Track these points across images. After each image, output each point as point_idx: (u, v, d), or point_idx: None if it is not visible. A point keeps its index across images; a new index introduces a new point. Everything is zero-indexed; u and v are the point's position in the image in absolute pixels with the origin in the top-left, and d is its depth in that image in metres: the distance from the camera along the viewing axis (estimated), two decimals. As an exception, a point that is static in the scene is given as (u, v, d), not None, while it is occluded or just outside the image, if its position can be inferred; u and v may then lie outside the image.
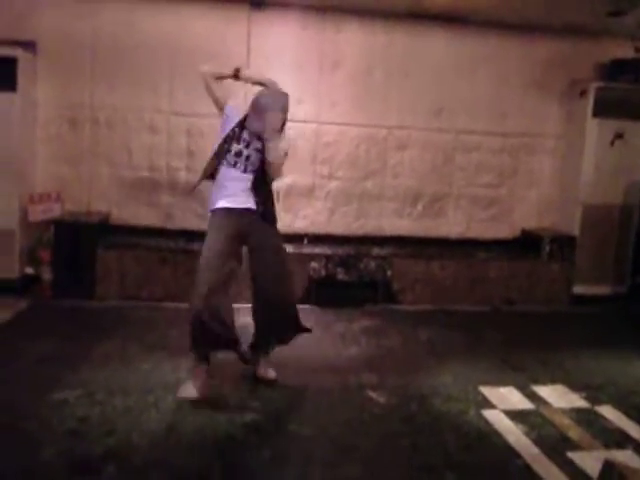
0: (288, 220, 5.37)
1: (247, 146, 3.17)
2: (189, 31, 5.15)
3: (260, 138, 3.13)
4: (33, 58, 4.94)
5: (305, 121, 5.34)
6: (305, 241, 5.40)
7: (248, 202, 3.18)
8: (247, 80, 3.39)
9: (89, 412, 2.91)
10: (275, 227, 3.31)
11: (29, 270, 4.89)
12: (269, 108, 3.08)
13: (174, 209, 5.33)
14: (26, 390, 3.11)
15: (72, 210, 5.11)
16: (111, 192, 5.24)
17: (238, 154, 3.17)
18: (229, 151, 3.17)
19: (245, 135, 3.18)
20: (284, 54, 5.28)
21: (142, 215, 5.30)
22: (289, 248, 5.10)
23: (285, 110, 3.16)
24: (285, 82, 5.24)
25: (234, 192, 3.17)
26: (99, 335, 3.98)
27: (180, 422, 2.87)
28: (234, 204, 3.16)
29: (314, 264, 5.00)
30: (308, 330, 3.42)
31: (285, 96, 3.21)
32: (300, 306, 4.85)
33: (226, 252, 3.07)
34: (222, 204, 3.17)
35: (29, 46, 4.89)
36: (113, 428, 2.77)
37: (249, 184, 3.17)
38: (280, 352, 3.51)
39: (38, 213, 4.76)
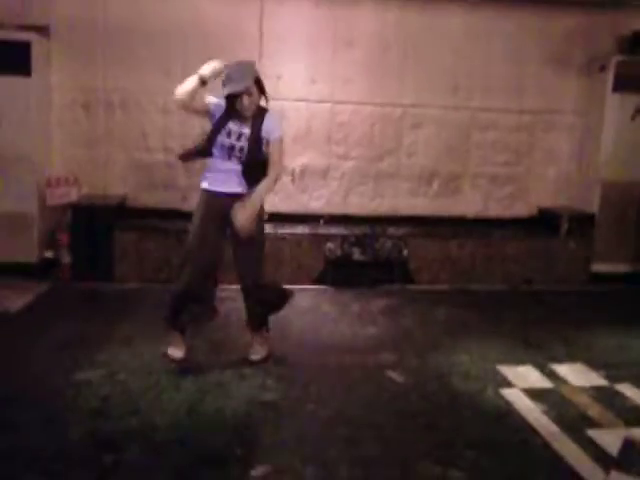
0: (304, 201, 5.37)
1: (238, 138, 3.11)
2: (201, 13, 5.10)
3: (248, 126, 3.11)
4: (47, 42, 4.94)
5: (319, 101, 5.30)
6: (321, 222, 5.40)
7: (236, 187, 3.16)
8: (214, 76, 3.16)
9: (112, 392, 2.96)
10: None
11: (48, 254, 4.95)
12: (239, 89, 3.04)
13: (190, 191, 5.34)
14: (50, 371, 3.18)
15: (89, 193, 5.15)
16: (127, 175, 5.27)
17: (231, 148, 3.12)
18: (222, 145, 3.13)
19: (232, 126, 3.12)
20: (297, 34, 5.22)
21: (158, 197, 5.32)
22: (304, 229, 5.13)
23: (253, 78, 3.14)
24: (299, 62, 5.29)
25: (224, 178, 3.17)
26: (119, 317, 4.04)
27: (200, 402, 2.91)
28: (221, 188, 3.17)
29: (330, 244, 5.00)
30: (290, 294, 3.45)
31: (249, 64, 3.21)
32: (316, 286, 4.92)
33: (209, 239, 3.18)
34: (209, 186, 3.21)
35: (43, 30, 4.89)
36: (135, 408, 2.82)
37: (239, 172, 3.15)
38: (298, 333, 3.53)
39: (56, 197, 4.80)
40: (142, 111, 5.19)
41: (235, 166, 3.15)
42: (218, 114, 3.17)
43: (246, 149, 3.12)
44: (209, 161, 3.22)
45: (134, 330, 3.81)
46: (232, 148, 3.13)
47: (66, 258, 4.85)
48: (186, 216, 5.22)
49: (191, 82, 3.08)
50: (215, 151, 3.16)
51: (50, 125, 5.08)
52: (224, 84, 3.07)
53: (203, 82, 3.08)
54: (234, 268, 3.31)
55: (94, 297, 4.50)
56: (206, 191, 3.22)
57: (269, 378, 3.21)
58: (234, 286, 4.79)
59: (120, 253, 4.85)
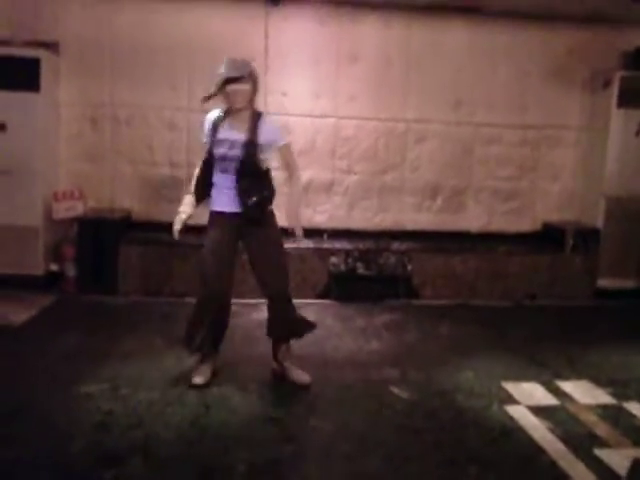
0: (308, 215, 5.38)
1: (231, 147, 3.04)
2: (207, 29, 5.18)
3: (242, 132, 3.05)
4: (56, 59, 5.02)
5: (324, 116, 5.34)
6: (325, 236, 5.41)
7: (235, 204, 3.11)
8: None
9: (115, 406, 2.95)
10: (267, 224, 3.17)
11: (54, 267, 4.98)
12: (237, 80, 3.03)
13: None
14: (54, 384, 3.18)
15: (95, 207, 5.19)
16: (133, 189, 5.31)
17: (223, 158, 3.06)
18: (217, 157, 3.09)
19: (223, 133, 3.07)
20: (301, 49, 5.28)
21: (164, 211, 5.33)
22: (309, 243, 5.13)
23: (249, 71, 3.09)
24: (303, 78, 5.34)
25: (227, 196, 3.13)
26: (123, 330, 4.04)
27: (204, 416, 2.90)
28: (226, 208, 3.15)
29: (334, 259, 5.00)
30: (312, 326, 3.41)
31: (245, 59, 3.15)
32: (320, 301, 4.91)
33: (225, 261, 3.22)
34: (215, 207, 3.21)
35: (52, 47, 4.97)
36: (138, 422, 2.81)
37: (234, 185, 3.09)
38: (302, 347, 3.52)
39: (62, 211, 4.83)
40: (148, 126, 5.25)
41: (233, 177, 3.07)
42: (206, 127, 3.16)
43: (240, 158, 3.02)
44: (214, 177, 3.18)
45: (138, 344, 3.81)
46: (224, 159, 3.05)
47: (71, 271, 4.88)
48: (191, 230, 5.29)
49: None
50: (215, 165, 3.12)
51: (58, 140, 5.14)
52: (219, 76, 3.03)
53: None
54: (257, 280, 3.30)
55: (99, 310, 4.51)
56: (214, 212, 3.21)
57: (273, 393, 3.20)
58: (238, 300, 4.83)
59: (125, 267, 4.87)
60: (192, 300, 4.72)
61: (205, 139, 3.15)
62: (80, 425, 2.76)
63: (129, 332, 4.00)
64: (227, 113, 3.13)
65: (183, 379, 3.29)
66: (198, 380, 3.19)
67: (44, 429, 2.71)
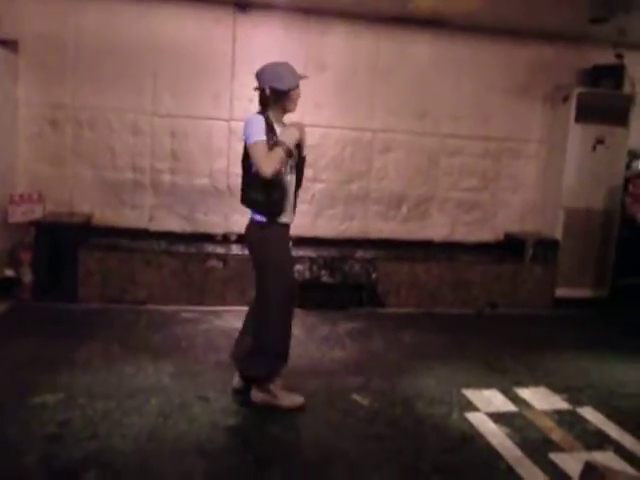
0: (273, 222, 5.35)
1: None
2: (174, 33, 5.12)
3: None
4: (14, 57, 4.87)
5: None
6: (290, 244, 5.37)
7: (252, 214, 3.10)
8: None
9: (70, 416, 2.86)
10: (258, 251, 3.06)
11: (9, 272, 4.80)
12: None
13: (157, 211, 5.30)
14: (5, 394, 3.06)
15: (54, 211, 5.05)
16: (94, 193, 5.19)
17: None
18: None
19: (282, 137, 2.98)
20: (269, 56, 5.17)
21: (125, 217, 5.25)
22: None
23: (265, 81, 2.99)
24: (270, 84, 5.32)
25: (289, 205, 3.10)
26: (81, 338, 3.92)
27: (162, 426, 2.84)
28: (289, 218, 3.12)
29: (299, 267, 4.99)
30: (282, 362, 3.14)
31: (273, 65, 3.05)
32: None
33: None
34: (283, 219, 3.07)
35: (10, 45, 4.82)
36: (94, 433, 2.73)
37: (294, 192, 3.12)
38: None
39: (18, 214, 4.68)
40: (111, 129, 5.14)
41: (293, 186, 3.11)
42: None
43: (296, 161, 3.07)
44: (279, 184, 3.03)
45: (97, 352, 3.71)
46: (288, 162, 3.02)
47: (27, 277, 4.72)
48: (153, 236, 5.22)
49: (281, 158, 2.85)
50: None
51: (15, 141, 4.99)
52: (275, 80, 2.95)
53: (290, 154, 2.92)
54: None
55: (56, 317, 4.37)
56: (281, 224, 3.06)
57: (233, 402, 3.15)
58: (200, 307, 4.78)
59: (84, 272, 4.75)
60: (154, 307, 4.68)
61: (262, 138, 2.86)
62: (32, 437, 2.66)
63: (88, 340, 3.89)
64: (271, 116, 3.00)
65: (142, 388, 3.23)
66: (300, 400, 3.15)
67: (-7, 441, 2.61)
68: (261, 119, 2.92)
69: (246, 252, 4.96)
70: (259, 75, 3.03)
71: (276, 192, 2.94)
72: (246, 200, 3.03)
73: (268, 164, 2.80)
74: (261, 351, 3.04)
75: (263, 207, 2.96)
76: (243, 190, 3.06)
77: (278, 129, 2.98)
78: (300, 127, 2.99)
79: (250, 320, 3.22)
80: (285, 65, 3.05)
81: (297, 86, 3.04)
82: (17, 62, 4.90)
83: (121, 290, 4.80)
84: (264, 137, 2.86)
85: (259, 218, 3.00)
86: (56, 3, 4.96)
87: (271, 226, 2.99)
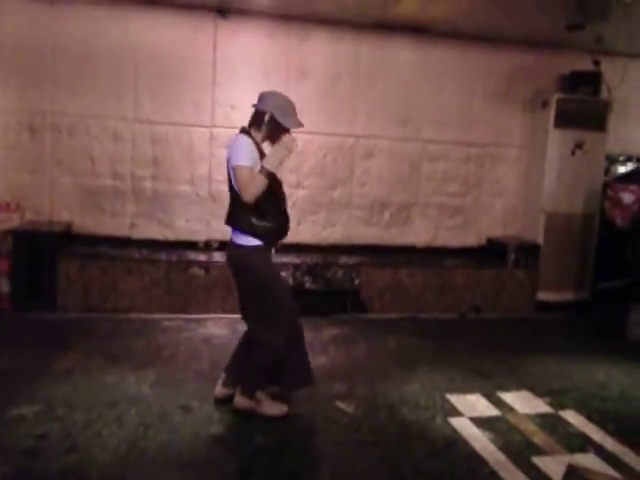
0: (256, 229, 5.32)
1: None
2: (154, 39, 5.09)
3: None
4: (-9, 63, 4.81)
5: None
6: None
7: (233, 236, 3.05)
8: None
9: (48, 428, 2.80)
10: (245, 273, 3.02)
11: (-14, 282, 4.72)
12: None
13: (139, 218, 5.24)
14: (-19, 407, 2.99)
15: (32, 219, 4.98)
16: (73, 201, 5.12)
17: (279, 185, 3.07)
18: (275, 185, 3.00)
19: None
20: (250, 63, 5.27)
21: (106, 224, 5.19)
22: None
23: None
24: (252, 91, 5.28)
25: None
26: (61, 348, 3.86)
27: (143, 437, 2.80)
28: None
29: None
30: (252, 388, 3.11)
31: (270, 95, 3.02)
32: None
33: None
34: (269, 240, 3.04)
35: (-14, 51, 4.76)
36: (73, 445, 2.67)
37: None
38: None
39: (-4, 223, 4.61)
40: (90, 136, 5.09)
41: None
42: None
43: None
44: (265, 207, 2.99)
45: (76, 362, 3.65)
46: (280, 186, 3.05)
47: (5, 287, 4.64)
48: (134, 243, 5.17)
49: (262, 184, 2.80)
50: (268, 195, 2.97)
51: (-8, 148, 4.91)
52: (281, 113, 2.91)
53: (273, 178, 2.86)
54: None
55: (35, 327, 4.29)
56: (264, 246, 3.00)
57: (215, 411, 3.12)
58: (182, 315, 4.73)
59: (64, 281, 4.67)
60: (136, 316, 4.63)
61: (247, 164, 2.83)
62: (8, 451, 2.60)
63: (68, 350, 3.83)
64: (255, 137, 2.95)
65: (123, 398, 3.18)
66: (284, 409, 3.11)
67: (-33, 456, 2.54)
68: (249, 142, 2.89)
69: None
70: (266, 97, 2.99)
71: (276, 218, 2.95)
72: (238, 222, 2.94)
73: (249, 192, 2.79)
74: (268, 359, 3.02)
75: (261, 232, 2.91)
76: (232, 212, 3.00)
77: (266, 150, 2.95)
78: (291, 141, 2.89)
79: (247, 338, 3.17)
80: (293, 105, 3.00)
81: (289, 131, 2.98)
82: (-6, 68, 4.84)
83: (102, 299, 4.74)
84: (249, 163, 2.84)
85: (243, 242, 2.93)
86: (33, 9, 4.90)
87: (258, 249, 2.94)
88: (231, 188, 2.98)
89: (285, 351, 2.99)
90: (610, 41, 5.42)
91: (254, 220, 2.90)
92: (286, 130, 2.95)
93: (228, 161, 2.94)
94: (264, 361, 3.02)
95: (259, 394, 3.08)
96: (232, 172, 2.89)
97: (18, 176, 5.00)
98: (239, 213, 2.93)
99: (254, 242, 2.93)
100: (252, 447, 2.80)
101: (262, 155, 2.92)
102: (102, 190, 5.15)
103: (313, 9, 5.07)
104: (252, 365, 3.04)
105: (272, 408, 3.08)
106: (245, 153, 2.84)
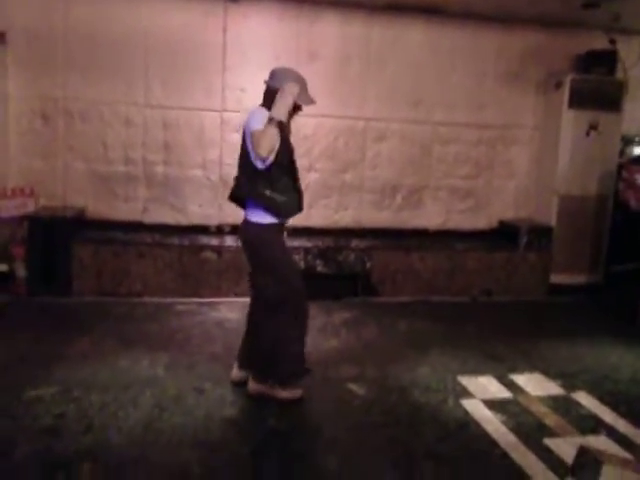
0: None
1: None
2: (165, 24, 5.07)
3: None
4: (3, 49, 4.82)
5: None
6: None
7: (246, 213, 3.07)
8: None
9: (65, 409, 2.87)
10: (257, 251, 3.03)
11: (2, 267, 4.78)
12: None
13: (151, 203, 5.27)
14: (1, 389, 3.05)
15: (47, 205, 5.03)
16: (86, 186, 5.16)
17: (292, 161, 3.08)
18: (289, 158, 3.05)
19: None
20: (260, 46, 5.23)
21: (119, 209, 5.23)
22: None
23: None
24: (262, 74, 5.27)
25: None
26: (76, 332, 3.92)
27: (158, 418, 2.85)
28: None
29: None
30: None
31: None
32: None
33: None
34: (282, 217, 3.04)
35: (-1, 37, 4.77)
36: (90, 425, 2.73)
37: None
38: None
39: (11, 208, 4.67)
40: (103, 122, 5.11)
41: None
42: None
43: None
44: (281, 181, 3.01)
45: (92, 346, 3.71)
46: (293, 161, 3.06)
47: (21, 272, 4.70)
48: (146, 228, 5.21)
49: (274, 134, 2.75)
50: (283, 169, 3.00)
51: (6, 135, 4.95)
52: (298, 97, 2.89)
53: (282, 128, 2.82)
54: None
55: (51, 312, 4.36)
56: (279, 224, 3.03)
57: (228, 393, 3.16)
58: (195, 299, 4.77)
59: (78, 266, 4.73)
60: (149, 300, 4.68)
61: (262, 127, 2.81)
62: (26, 430, 2.67)
63: (83, 333, 3.89)
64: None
65: (137, 380, 3.23)
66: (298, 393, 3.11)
67: (-12, 436, 2.61)
68: (265, 112, 2.85)
69: (238, 243, 4.98)
70: (278, 74, 2.96)
71: (289, 193, 2.95)
72: (251, 193, 2.91)
73: (263, 145, 2.72)
74: (274, 352, 3.02)
75: (274, 205, 2.90)
76: (241, 184, 2.98)
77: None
78: (292, 86, 2.83)
79: (252, 322, 3.19)
80: (305, 81, 2.98)
81: (301, 108, 3.01)
82: (6, 55, 4.85)
83: (116, 283, 4.79)
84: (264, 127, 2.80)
85: (256, 218, 2.93)
86: (44, -6, 4.90)
87: (272, 227, 2.94)
88: (245, 161, 2.94)
89: (288, 330, 2.99)
90: (627, 19, 5.30)
91: (267, 192, 2.88)
92: (298, 107, 2.94)
93: (244, 134, 2.91)
94: (269, 342, 3.02)
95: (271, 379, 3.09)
96: (249, 140, 2.85)
97: (31, 162, 5.04)
98: (253, 185, 2.89)
99: (267, 219, 2.92)
100: (265, 429, 2.84)
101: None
102: (114, 175, 5.18)
103: (323, -10, 5.02)
104: (259, 349, 3.07)
105: (285, 392, 3.10)
106: (261, 120, 2.79)
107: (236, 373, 3.25)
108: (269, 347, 3.03)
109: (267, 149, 2.74)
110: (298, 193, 3.05)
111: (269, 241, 2.98)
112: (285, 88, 2.83)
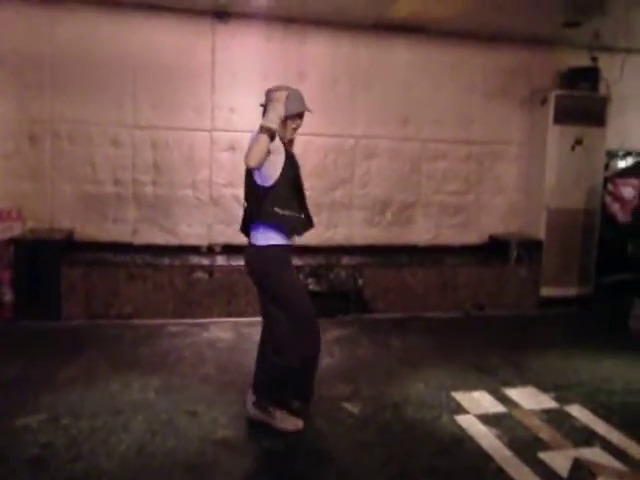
0: (257, 232, 5.33)
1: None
2: (153, 44, 5.10)
3: None
4: (-10, 72, 4.82)
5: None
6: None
7: (252, 238, 2.99)
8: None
9: (53, 437, 2.81)
10: (264, 280, 2.98)
11: (-11, 292, 4.72)
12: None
13: (141, 224, 5.25)
14: (-13, 416, 3.00)
15: (34, 227, 4.99)
16: (75, 208, 5.13)
17: (297, 181, 3.02)
18: (291, 181, 2.97)
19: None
20: (249, 66, 5.28)
21: (108, 231, 5.20)
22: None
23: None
24: (251, 94, 5.31)
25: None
26: (65, 356, 3.86)
27: (150, 443, 2.80)
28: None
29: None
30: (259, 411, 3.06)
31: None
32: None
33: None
34: (286, 240, 2.96)
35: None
36: (79, 453, 2.68)
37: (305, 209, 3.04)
38: (252, 365, 3.45)
39: (-2, 232, 4.62)
40: (91, 143, 5.09)
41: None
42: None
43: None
44: (281, 204, 2.93)
45: (81, 370, 3.65)
46: (298, 182, 3.00)
47: (8, 296, 4.64)
48: (136, 249, 5.17)
49: (264, 142, 2.70)
50: (286, 190, 2.93)
51: (-7, 157, 4.92)
52: (289, 104, 2.85)
53: (272, 136, 2.74)
54: None
55: (39, 336, 4.30)
56: (285, 246, 2.96)
57: (222, 415, 3.12)
58: (186, 320, 4.73)
59: (67, 289, 4.68)
60: (140, 322, 4.63)
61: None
62: (12, 462, 2.59)
63: (72, 358, 3.83)
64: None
65: (128, 405, 3.18)
66: (300, 424, 3.02)
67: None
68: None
69: (231, 262, 4.96)
70: (270, 90, 2.96)
71: (298, 210, 2.92)
72: (259, 215, 2.85)
73: (251, 153, 2.67)
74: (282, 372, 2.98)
75: (283, 221, 2.84)
76: (250, 212, 2.93)
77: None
78: (281, 94, 2.84)
79: (262, 354, 3.13)
80: (296, 92, 2.94)
81: (297, 116, 2.94)
82: (-7, 78, 4.85)
83: (105, 305, 4.74)
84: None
85: (262, 242, 2.86)
86: (32, 16, 4.90)
87: (280, 250, 2.88)
88: (250, 189, 2.92)
89: (302, 361, 2.93)
90: (608, 37, 5.42)
91: (276, 209, 2.83)
92: (287, 118, 2.88)
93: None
94: (280, 374, 2.96)
95: (273, 408, 3.01)
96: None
97: (19, 184, 5.01)
98: (260, 206, 2.84)
99: (274, 240, 2.85)
100: (259, 450, 2.80)
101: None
102: (103, 196, 5.16)
103: (311, 12, 5.07)
104: (268, 378, 3.00)
105: (286, 422, 3.00)
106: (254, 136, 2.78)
107: (251, 407, 3.10)
108: (277, 381, 2.99)
109: (255, 156, 2.67)
110: (307, 209, 3.01)
111: (277, 270, 2.89)
112: (273, 97, 2.85)
